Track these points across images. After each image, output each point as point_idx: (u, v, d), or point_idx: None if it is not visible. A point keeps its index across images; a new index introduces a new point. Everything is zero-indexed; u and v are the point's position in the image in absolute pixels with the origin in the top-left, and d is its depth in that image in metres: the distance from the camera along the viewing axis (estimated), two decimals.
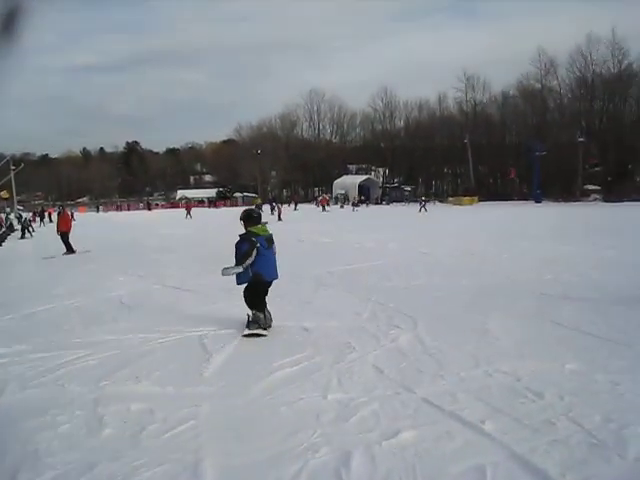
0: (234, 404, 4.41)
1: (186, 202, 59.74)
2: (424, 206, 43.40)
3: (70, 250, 17.51)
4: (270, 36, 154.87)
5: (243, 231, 6.77)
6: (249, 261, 6.43)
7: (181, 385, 4.90)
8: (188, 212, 46.01)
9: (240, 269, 6.44)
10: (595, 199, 55.28)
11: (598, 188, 58.76)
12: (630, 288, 8.91)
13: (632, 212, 33.94)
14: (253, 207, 8.90)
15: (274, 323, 6.97)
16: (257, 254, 6.49)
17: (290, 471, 3.30)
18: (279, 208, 38.01)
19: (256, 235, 6.62)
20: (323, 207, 51.50)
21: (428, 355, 5.54)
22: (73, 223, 20.18)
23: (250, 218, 6.87)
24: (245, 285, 6.75)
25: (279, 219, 34.39)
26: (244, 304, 6.81)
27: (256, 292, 6.72)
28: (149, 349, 6.11)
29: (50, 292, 10.29)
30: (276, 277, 6.97)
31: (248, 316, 6.68)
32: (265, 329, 6.62)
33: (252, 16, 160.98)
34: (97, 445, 3.76)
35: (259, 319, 6.60)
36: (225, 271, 6.46)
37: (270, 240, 6.88)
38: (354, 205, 54.08)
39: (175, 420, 4.10)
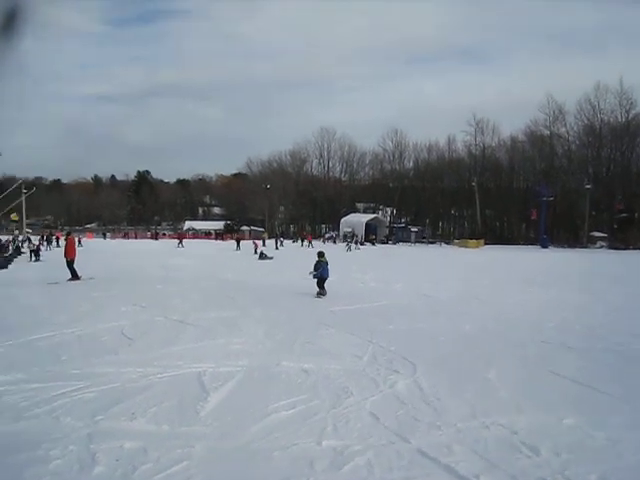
0: (228, 446, 4.39)
1: (179, 233, 65.88)
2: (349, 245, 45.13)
3: (75, 276, 17.53)
4: (286, 74, 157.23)
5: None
6: (318, 272, 14.43)
7: (176, 424, 4.88)
8: (180, 242, 49.29)
9: (314, 274, 14.51)
10: (601, 246, 55.16)
11: (604, 235, 58.68)
12: (633, 340, 8.87)
13: (635, 259, 33.85)
14: (321, 252, 15.48)
15: (275, 364, 7.03)
16: (322, 268, 14.42)
17: None
18: (256, 244, 39.33)
19: (322, 261, 14.60)
20: (309, 243, 51.95)
21: (426, 403, 5.51)
22: (79, 249, 20.25)
23: (321, 255, 14.92)
24: (317, 279, 14.43)
25: (254, 252, 35.13)
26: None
27: (321, 281, 14.34)
28: (147, 384, 6.09)
29: (51, 319, 10.25)
30: (328, 276, 14.49)
31: (318, 292, 14.17)
32: (323, 295, 14.03)
33: (267, 54, 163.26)
34: None
35: (322, 293, 14.18)
36: (310, 274, 14.65)
37: (326, 262, 14.60)
38: (354, 243, 53.75)
39: (168, 461, 4.08)
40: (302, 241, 53.16)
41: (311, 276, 14.50)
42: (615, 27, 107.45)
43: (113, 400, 5.46)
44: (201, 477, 3.83)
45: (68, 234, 20.28)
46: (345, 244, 50.55)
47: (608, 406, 5.45)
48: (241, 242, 45.63)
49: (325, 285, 14.32)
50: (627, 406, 5.45)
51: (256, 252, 34.73)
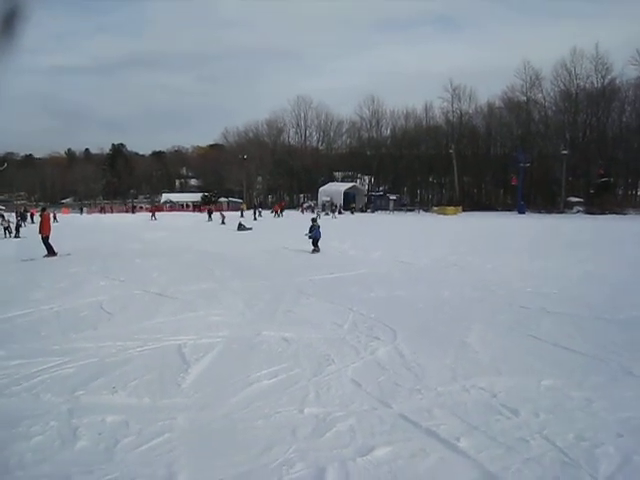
0: (210, 417, 4.39)
1: (152, 206, 66.51)
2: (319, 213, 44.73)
3: (51, 252, 17.31)
4: (258, 42, 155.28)
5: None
6: (312, 232, 17.76)
7: (158, 396, 4.87)
8: (153, 215, 50.16)
9: (310, 235, 17.85)
10: (578, 211, 55.78)
11: (581, 200, 59.30)
12: (608, 302, 9.03)
13: (613, 225, 34.36)
14: (314, 217, 19.66)
15: (256, 334, 7.04)
16: (315, 230, 17.72)
17: None
18: (222, 215, 41.24)
19: (315, 225, 18.03)
20: (277, 213, 52.29)
21: (407, 369, 5.56)
22: (55, 225, 19.96)
23: (314, 220, 18.47)
24: (312, 239, 17.72)
25: (222, 223, 37.51)
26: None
27: (315, 241, 17.60)
28: (127, 358, 6.06)
29: (29, 296, 10.14)
30: (320, 237, 17.78)
31: (313, 249, 17.47)
32: (318, 251, 17.39)
33: (240, 22, 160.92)
34: (70, 458, 3.73)
35: (316, 250, 17.47)
36: (305, 235, 17.97)
37: (319, 226, 18.00)
38: (332, 212, 54.06)
39: (150, 433, 4.08)
40: (275, 212, 53.09)
41: (307, 237, 18.15)
42: None
43: (93, 375, 5.42)
44: (183, 448, 3.83)
45: (43, 210, 19.94)
46: (323, 213, 50.66)
47: (586, 367, 5.54)
48: (213, 213, 46.90)
49: (318, 244, 17.92)
50: (604, 366, 5.55)
51: (223, 222, 37.49)
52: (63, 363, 5.81)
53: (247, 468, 3.53)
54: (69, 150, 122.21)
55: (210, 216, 46.09)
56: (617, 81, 64.47)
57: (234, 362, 5.90)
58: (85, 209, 77.04)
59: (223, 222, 38.28)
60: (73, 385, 5.12)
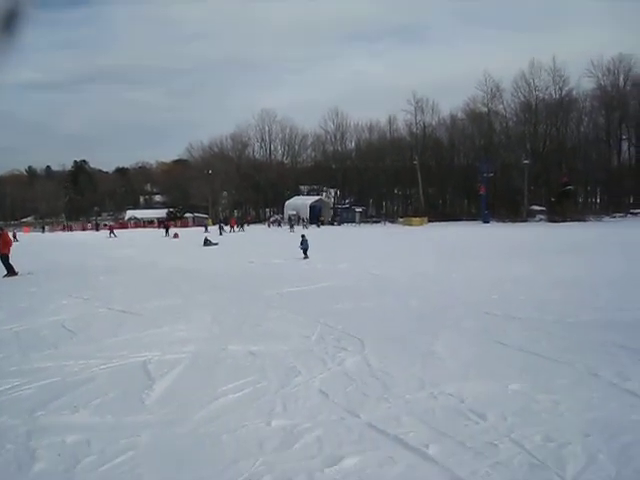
0: (175, 433, 4.29)
1: (109, 224, 66.98)
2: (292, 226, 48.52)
3: (11, 272, 16.88)
4: (221, 55, 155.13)
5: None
6: (303, 245, 20.79)
7: (121, 414, 4.73)
8: (111, 232, 50.22)
9: (302, 247, 20.70)
10: (540, 219, 56.88)
11: (543, 208, 60.47)
12: (573, 306, 9.18)
13: (573, 232, 35.11)
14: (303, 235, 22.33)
15: (222, 348, 6.96)
16: (305, 242, 20.89)
17: None
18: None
19: (305, 239, 21.10)
20: (233, 227, 53.33)
21: (374, 378, 5.53)
22: (15, 244, 19.52)
23: (303, 236, 21.79)
24: (303, 250, 20.62)
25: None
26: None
27: (305, 251, 20.57)
28: (90, 376, 5.90)
29: None
30: (308, 247, 20.82)
31: (304, 257, 20.36)
32: (307, 258, 20.14)
33: (203, 35, 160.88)
34: None
35: (306, 257, 20.31)
36: (299, 247, 20.88)
37: (307, 240, 21.15)
38: (301, 225, 54.61)
39: (113, 452, 3.95)
40: (230, 227, 53.58)
41: (300, 248, 21.00)
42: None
43: (53, 394, 5.25)
44: (147, 466, 3.72)
45: (1, 229, 19.46)
46: (289, 227, 50.94)
47: (552, 371, 5.59)
48: (169, 229, 49.30)
49: (305, 253, 20.89)
50: (570, 369, 5.60)
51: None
52: (22, 384, 5.61)
53: None
54: (29, 168, 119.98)
55: (167, 231, 48.03)
56: (574, 92, 66.62)
57: (200, 377, 5.79)
58: (47, 227, 75.55)
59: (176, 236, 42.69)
60: (32, 406, 4.94)
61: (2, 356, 6.93)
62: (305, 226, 54.74)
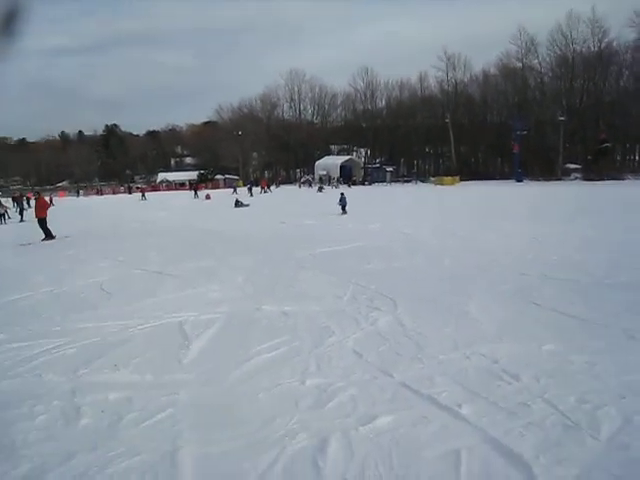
0: (212, 391, 4.41)
1: (141, 187, 67.28)
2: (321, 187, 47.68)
3: (49, 236, 17.28)
4: (252, 17, 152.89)
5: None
6: (342, 202, 22.83)
7: (160, 373, 4.87)
8: (143, 195, 51.06)
9: (341, 204, 22.85)
10: (575, 178, 55.68)
11: (579, 167, 59.12)
12: (609, 267, 9.02)
13: (610, 191, 34.32)
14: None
15: (256, 309, 7.05)
16: (344, 199, 22.97)
17: (267, 458, 3.32)
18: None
19: (344, 196, 23.31)
20: (263, 189, 52.01)
21: (407, 338, 5.57)
22: (52, 208, 19.91)
23: (342, 193, 24.42)
24: (342, 206, 22.70)
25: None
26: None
27: (344, 207, 22.68)
28: (128, 336, 6.07)
29: (28, 280, 10.12)
30: (347, 203, 22.90)
31: (342, 212, 22.40)
32: (345, 214, 22.27)
33: None
34: (74, 436, 3.75)
35: (345, 213, 22.39)
36: (338, 205, 22.92)
37: (345, 197, 23.33)
38: (330, 185, 54.50)
39: (153, 409, 4.09)
40: (261, 188, 52.32)
41: (339, 205, 22.80)
42: None
43: (95, 354, 5.43)
44: (187, 422, 3.85)
45: (37, 193, 19.86)
46: (317, 188, 50.65)
47: (587, 332, 5.54)
48: (198, 191, 49.40)
49: (344, 209, 22.74)
50: (606, 331, 5.54)
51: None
52: (64, 344, 5.81)
53: (250, 440, 3.54)
54: (62, 133, 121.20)
55: (196, 193, 48.12)
56: (614, 44, 63.75)
57: (235, 337, 5.91)
58: (82, 192, 76.61)
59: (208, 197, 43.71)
60: (75, 365, 5.12)
61: (45, 316, 7.17)
62: (336, 186, 54.55)
